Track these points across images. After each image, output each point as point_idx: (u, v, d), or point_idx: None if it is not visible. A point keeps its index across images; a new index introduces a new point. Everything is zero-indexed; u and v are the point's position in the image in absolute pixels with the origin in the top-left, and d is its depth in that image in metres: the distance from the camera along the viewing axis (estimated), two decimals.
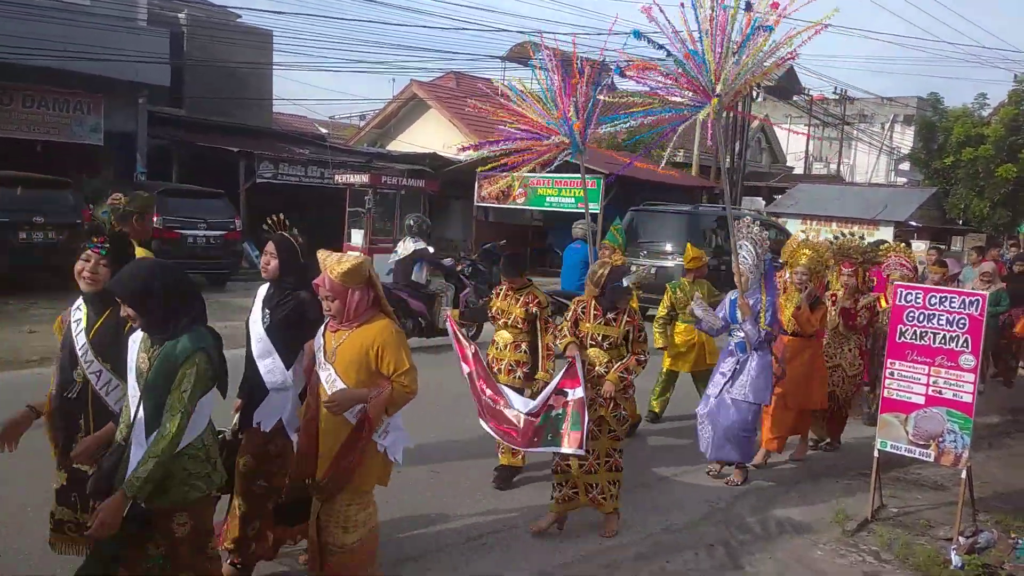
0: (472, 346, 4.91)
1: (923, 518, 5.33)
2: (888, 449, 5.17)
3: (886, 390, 5.20)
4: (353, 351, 3.34)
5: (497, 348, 5.36)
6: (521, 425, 4.47)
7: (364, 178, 14.01)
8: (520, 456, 5.29)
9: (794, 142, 38.58)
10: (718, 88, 4.81)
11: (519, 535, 4.64)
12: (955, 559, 4.59)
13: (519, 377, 5.22)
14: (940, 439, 4.94)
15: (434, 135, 25.67)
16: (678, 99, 5.15)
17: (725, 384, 5.51)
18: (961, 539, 4.80)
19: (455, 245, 21.75)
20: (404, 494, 4.88)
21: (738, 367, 5.50)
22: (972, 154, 25.60)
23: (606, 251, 6.78)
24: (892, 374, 5.17)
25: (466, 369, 4.88)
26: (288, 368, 3.72)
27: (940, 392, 4.96)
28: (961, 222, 26.32)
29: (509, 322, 5.27)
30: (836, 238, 7.66)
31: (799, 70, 31.53)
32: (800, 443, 6.54)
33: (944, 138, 26.98)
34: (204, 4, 23.62)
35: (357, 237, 14.06)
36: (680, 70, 4.89)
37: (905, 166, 35.10)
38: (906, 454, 5.17)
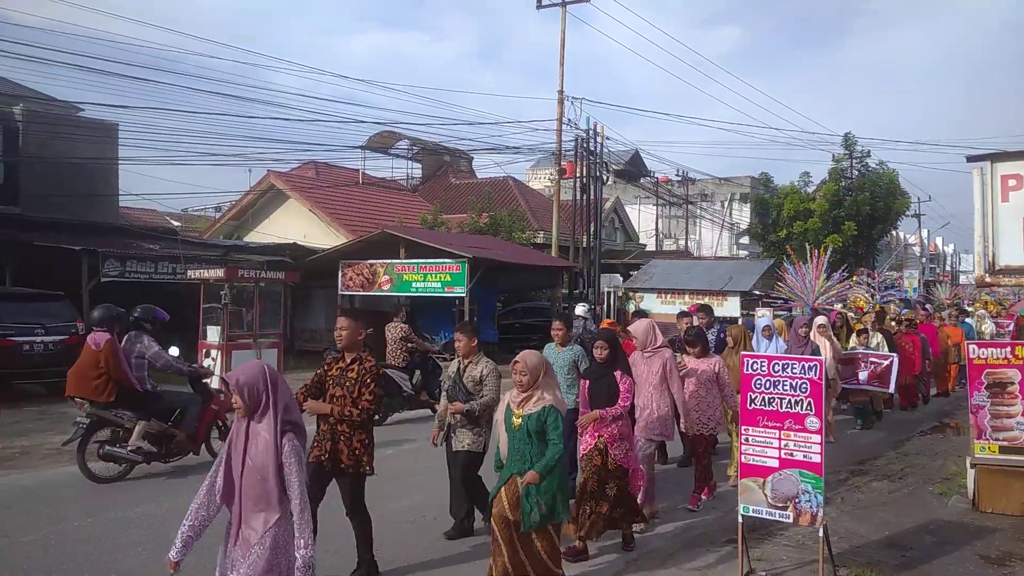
0: None
1: None
2: (751, 514, 5.38)
3: (743, 456, 5.45)
4: None
5: None
6: None
7: (219, 272, 13.46)
8: None
9: (644, 220, 40.83)
10: None
11: None
12: None
13: None
14: (796, 500, 5.20)
15: (295, 225, 25.31)
16: None
17: None
18: None
19: (318, 335, 21.23)
20: None
21: None
22: (802, 227, 28.15)
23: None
24: (747, 440, 5.42)
25: None
26: None
27: (792, 454, 5.25)
28: None
29: None
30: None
31: (644, 156, 33.59)
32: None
33: (776, 213, 29.50)
34: (43, 98, 22.59)
35: (213, 334, 13.38)
36: None
37: (745, 240, 37.81)
38: (767, 517, 5.40)
